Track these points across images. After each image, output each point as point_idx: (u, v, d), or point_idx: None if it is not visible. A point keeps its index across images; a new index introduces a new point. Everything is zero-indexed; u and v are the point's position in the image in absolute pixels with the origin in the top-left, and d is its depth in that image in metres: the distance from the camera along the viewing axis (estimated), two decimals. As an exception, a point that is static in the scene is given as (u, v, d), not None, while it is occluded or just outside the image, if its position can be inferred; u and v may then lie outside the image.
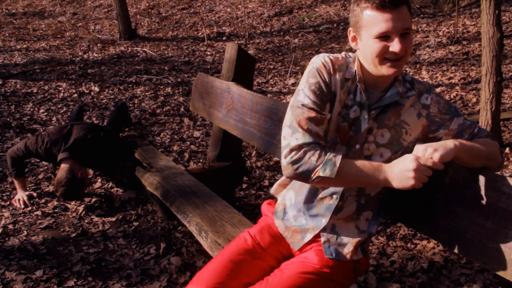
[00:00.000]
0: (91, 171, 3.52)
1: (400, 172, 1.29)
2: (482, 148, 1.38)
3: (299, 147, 1.35)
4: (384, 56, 1.32)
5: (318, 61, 1.42)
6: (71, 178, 2.91)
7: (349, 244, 1.51)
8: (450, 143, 1.31)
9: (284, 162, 1.38)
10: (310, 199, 1.53)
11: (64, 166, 2.97)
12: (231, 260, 1.50)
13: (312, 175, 1.34)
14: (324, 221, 1.51)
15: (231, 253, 1.52)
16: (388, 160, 1.45)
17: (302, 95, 1.40)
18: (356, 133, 1.44)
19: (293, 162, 1.35)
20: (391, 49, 1.30)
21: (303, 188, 1.54)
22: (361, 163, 1.35)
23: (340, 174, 1.33)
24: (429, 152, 1.28)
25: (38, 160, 3.71)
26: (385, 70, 1.34)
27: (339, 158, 1.33)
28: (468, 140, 1.43)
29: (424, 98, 1.46)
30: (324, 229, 1.51)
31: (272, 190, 1.72)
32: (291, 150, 1.36)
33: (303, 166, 1.34)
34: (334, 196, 1.49)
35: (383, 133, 1.44)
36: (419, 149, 1.31)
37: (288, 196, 1.61)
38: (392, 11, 1.27)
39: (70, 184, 2.91)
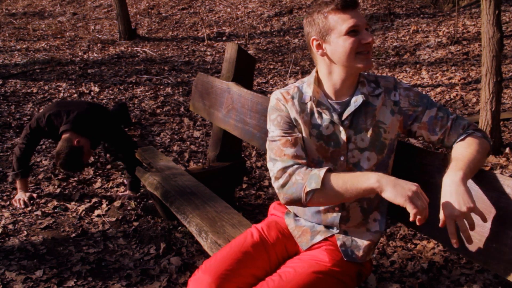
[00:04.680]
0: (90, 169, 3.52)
1: (400, 185, 1.26)
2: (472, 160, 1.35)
3: (282, 171, 1.42)
4: (357, 51, 1.40)
5: (273, 99, 1.55)
6: (70, 147, 2.86)
7: (363, 246, 1.55)
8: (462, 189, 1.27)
9: (276, 190, 1.45)
10: (317, 209, 1.56)
11: (64, 137, 2.93)
12: (239, 250, 1.52)
13: (302, 193, 1.38)
14: (335, 230, 1.56)
15: (239, 245, 1.55)
16: (377, 163, 1.48)
17: (270, 131, 1.52)
18: (336, 147, 1.48)
19: (282, 186, 1.41)
20: (363, 41, 1.40)
21: None
22: (348, 173, 1.38)
23: (326, 184, 1.35)
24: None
25: (38, 160, 3.71)
26: (360, 63, 1.42)
27: (323, 171, 1.36)
28: (441, 133, 1.45)
29: (392, 95, 1.50)
30: (337, 233, 1.56)
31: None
32: (276, 177, 1.43)
33: (292, 188, 1.40)
34: (336, 208, 1.52)
35: (363, 137, 1.48)
36: None
37: (298, 209, 1.65)
38: (353, 10, 1.42)
39: (69, 154, 2.86)
